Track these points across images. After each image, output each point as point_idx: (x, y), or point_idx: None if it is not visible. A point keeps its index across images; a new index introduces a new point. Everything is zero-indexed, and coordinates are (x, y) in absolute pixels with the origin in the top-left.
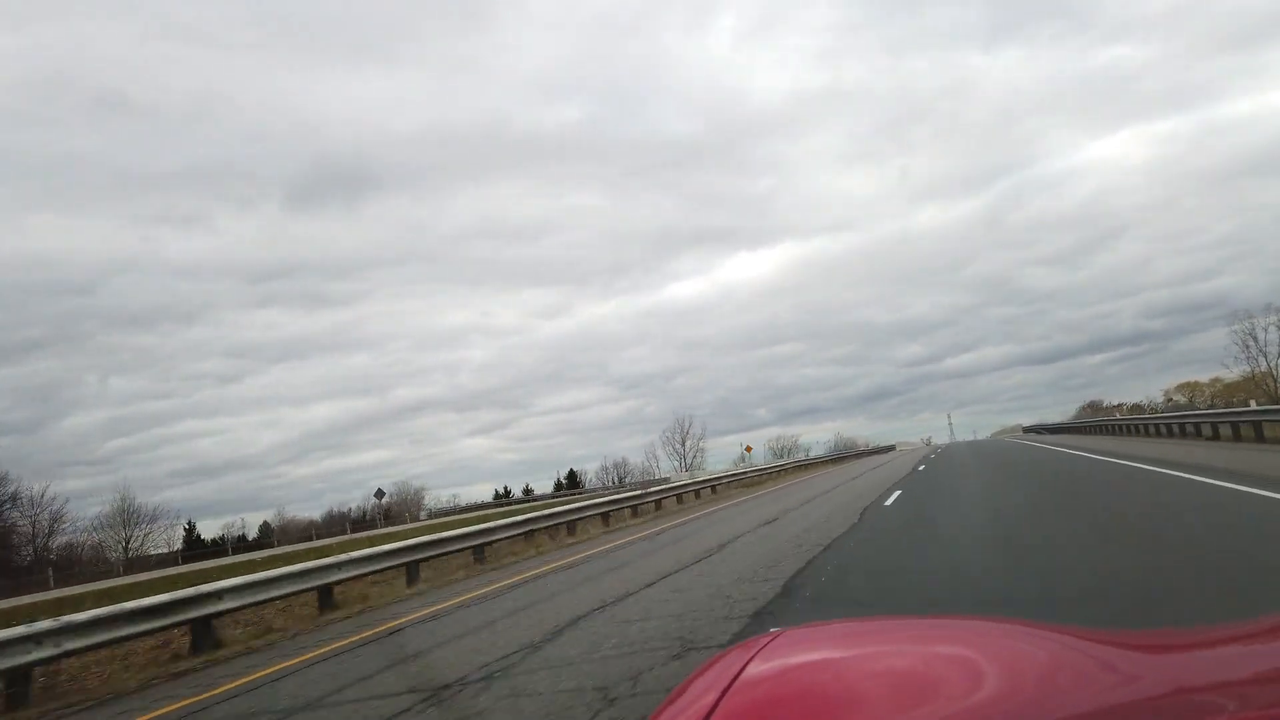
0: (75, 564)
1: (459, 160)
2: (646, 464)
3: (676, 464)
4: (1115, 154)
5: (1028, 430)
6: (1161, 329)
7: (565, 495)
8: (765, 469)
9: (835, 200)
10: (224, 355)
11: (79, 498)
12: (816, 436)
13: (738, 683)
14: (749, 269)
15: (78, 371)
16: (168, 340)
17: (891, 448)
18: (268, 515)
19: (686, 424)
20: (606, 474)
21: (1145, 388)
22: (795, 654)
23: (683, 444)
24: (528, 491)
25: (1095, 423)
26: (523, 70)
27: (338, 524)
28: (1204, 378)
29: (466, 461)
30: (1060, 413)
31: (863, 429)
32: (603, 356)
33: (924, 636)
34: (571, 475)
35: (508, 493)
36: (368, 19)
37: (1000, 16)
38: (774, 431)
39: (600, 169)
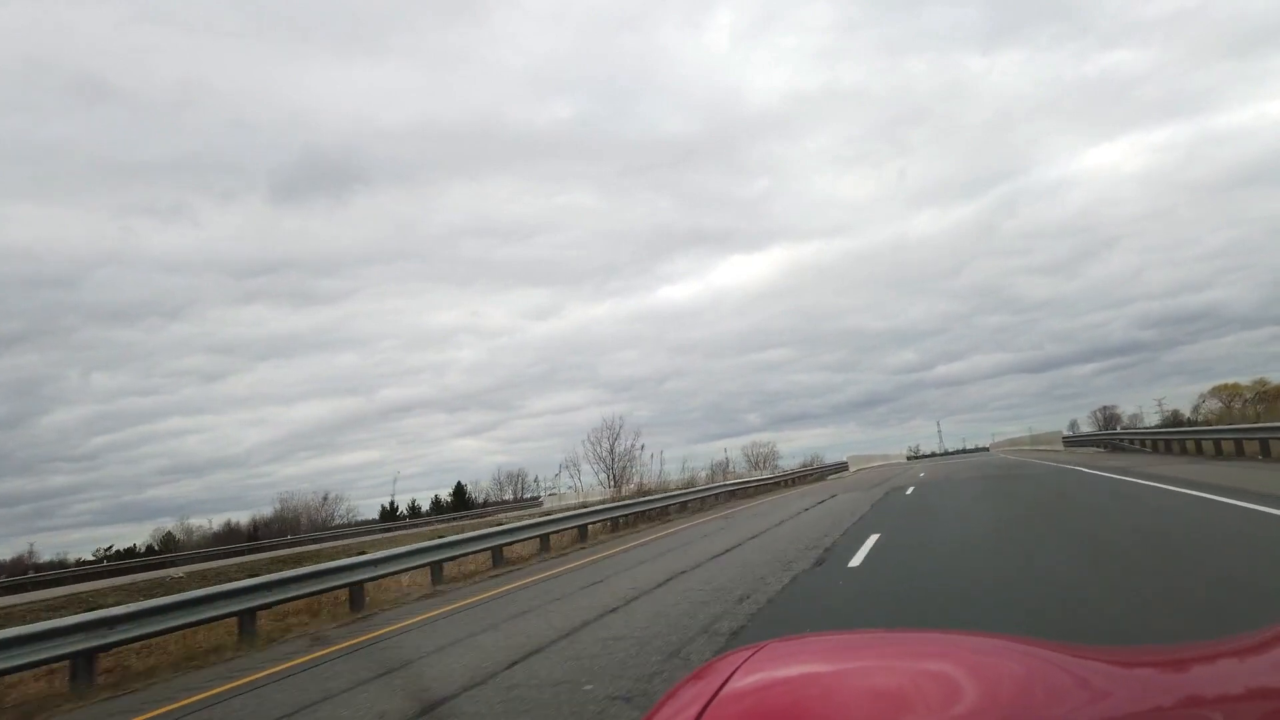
0: None
1: (449, 156)
2: (556, 477)
3: (603, 476)
4: (1112, 162)
5: (1073, 442)
6: (1153, 340)
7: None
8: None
9: (830, 203)
10: (209, 352)
11: (63, 495)
12: (806, 443)
13: (720, 696)
14: (742, 272)
15: (59, 366)
16: (151, 336)
17: (839, 467)
18: (170, 524)
19: (617, 425)
20: (501, 488)
21: (1136, 398)
22: (779, 667)
23: (610, 451)
24: (414, 510)
25: (1197, 434)
26: (516, 65)
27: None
28: (1244, 379)
29: (456, 463)
30: (1051, 423)
31: (853, 436)
32: (593, 358)
33: (907, 651)
34: (460, 491)
35: (394, 509)
36: (357, 7)
37: (999, 18)
38: (764, 437)
39: (593, 168)
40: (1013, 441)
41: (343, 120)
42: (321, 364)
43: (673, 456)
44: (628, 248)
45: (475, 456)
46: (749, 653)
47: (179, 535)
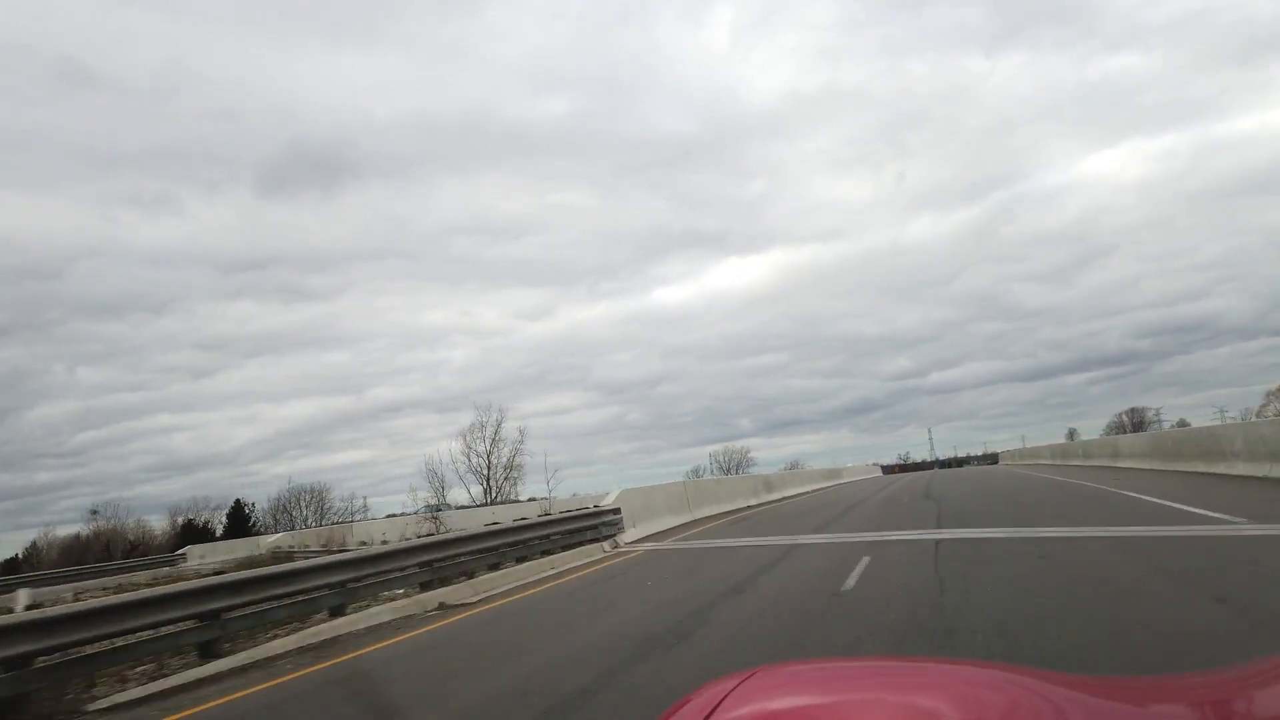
0: None
1: (441, 151)
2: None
3: (478, 490)
4: (1111, 169)
5: None
6: (1147, 349)
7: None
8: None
9: (828, 207)
10: (197, 348)
11: (50, 491)
12: (796, 449)
13: None
14: (738, 275)
15: (44, 361)
16: (138, 330)
17: (583, 525)
18: (34, 534)
19: (496, 420)
20: (287, 511)
21: (1127, 407)
22: (768, 697)
23: (487, 457)
24: (204, 530)
25: None
26: (510, 58)
27: None
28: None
29: (448, 465)
30: (1046, 432)
31: (845, 442)
32: (586, 361)
33: (896, 681)
34: (238, 509)
35: (192, 527)
36: None
37: (1003, 19)
38: (739, 444)
39: (588, 166)
40: (1065, 451)
41: (332, 112)
42: (311, 362)
43: (663, 460)
44: (622, 248)
45: (467, 458)
46: (738, 680)
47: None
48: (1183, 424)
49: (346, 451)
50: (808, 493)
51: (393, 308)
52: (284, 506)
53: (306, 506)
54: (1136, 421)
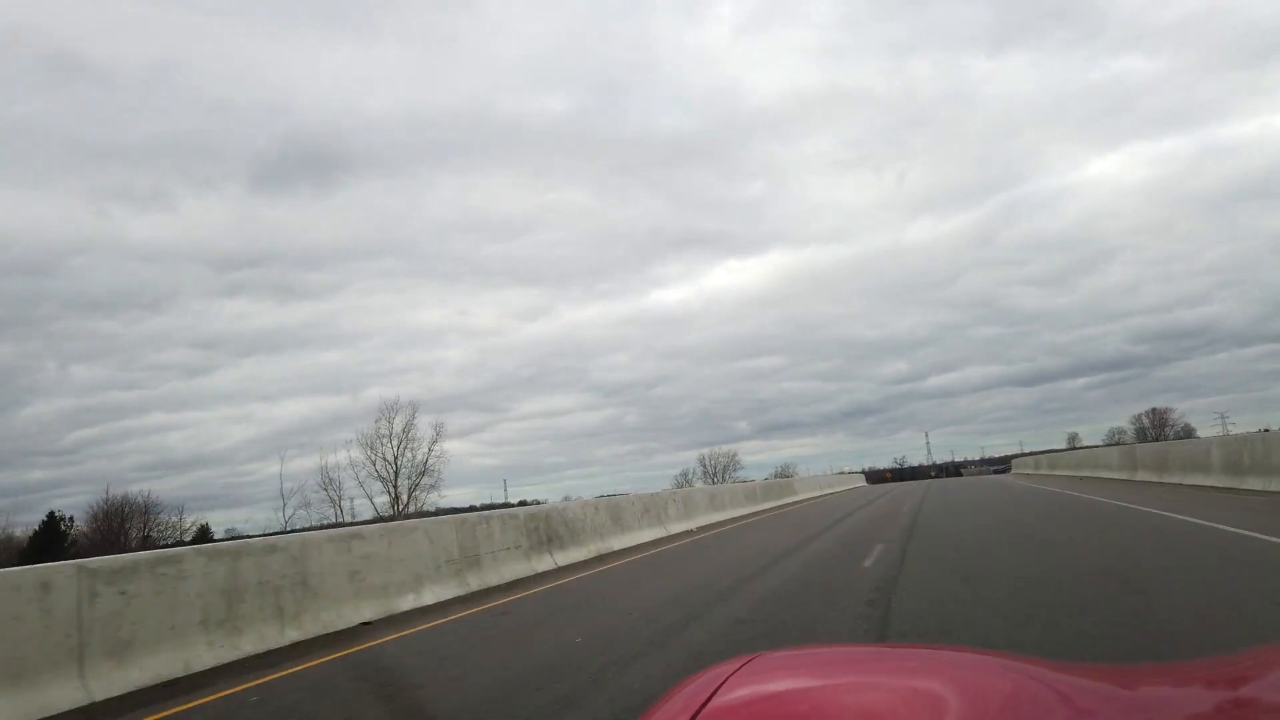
0: None
1: (438, 147)
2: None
3: (383, 500)
4: (1113, 173)
5: None
6: (1145, 355)
7: None
8: None
9: (827, 209)
10: (191, 346)
11: (44, 489)
12: (792, 453)
13: (706, 711)
14: (736, 277)
15: (36, 358)
16: (131, 328)
17: None
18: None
19: (408, 416)
20: (99, 523)
21: (1125, 414)
22: (767, 682)
23: (395, 461)
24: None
25: None
26: (508, 53)
27: None
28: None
29: (443, 466)
30: (1044, 438)
31: (842, 446)
32: (583, 362)
33: (896, 666)
34: (52, 523)
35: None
36: None
37: (1008, 19)
38: (726, 448)
39: (586, 164)
40: (1163, 459)
41: (327, 106)
42: (306, 361)
43: (659, 463)
44: (620, 249)
45: (463, 459)
46: (736, 665)
47: None
48: (1188, 430)
49: (341, 452)
50: (651, 544)
51: (388, 306)
52: (105, 522)
53: (130, 520)
54: (1158, 423)
